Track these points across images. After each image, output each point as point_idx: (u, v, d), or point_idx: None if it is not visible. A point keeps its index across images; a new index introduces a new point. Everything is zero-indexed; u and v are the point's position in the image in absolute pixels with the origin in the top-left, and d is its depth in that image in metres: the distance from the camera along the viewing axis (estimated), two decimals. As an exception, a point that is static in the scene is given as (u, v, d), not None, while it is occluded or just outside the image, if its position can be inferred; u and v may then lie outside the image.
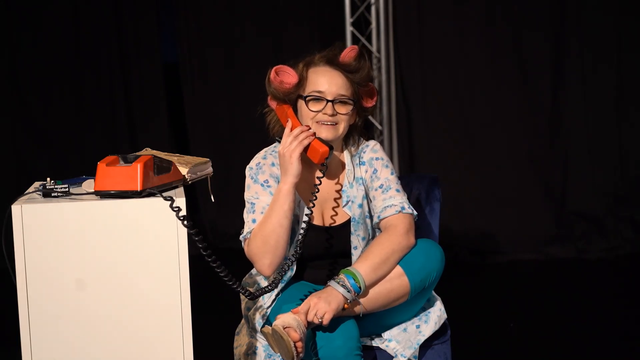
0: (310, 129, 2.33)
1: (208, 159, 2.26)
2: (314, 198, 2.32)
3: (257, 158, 2.44)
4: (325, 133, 2.34)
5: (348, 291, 2.22)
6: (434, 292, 2.54)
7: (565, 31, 5.34)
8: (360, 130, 2.49)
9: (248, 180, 2.40)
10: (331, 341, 2.19)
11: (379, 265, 2.27)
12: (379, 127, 5.35)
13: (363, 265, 2.26)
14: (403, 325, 2.40)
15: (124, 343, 1.81)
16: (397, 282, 2.29)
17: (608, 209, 5.36)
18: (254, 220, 2.33)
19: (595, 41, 5.34)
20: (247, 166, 2.43)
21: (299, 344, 2.13)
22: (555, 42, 5.36)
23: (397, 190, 2.41)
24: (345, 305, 2.22)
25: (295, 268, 2.37)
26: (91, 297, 1.79)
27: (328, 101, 2.33)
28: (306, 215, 2.34)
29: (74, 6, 5.58)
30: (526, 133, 5.40)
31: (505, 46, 5.36)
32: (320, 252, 2.41)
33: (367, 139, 2.52)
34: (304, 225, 2.34)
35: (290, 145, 2.28)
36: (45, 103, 5.63)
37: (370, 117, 5.32)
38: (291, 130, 2.32)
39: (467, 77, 5.40)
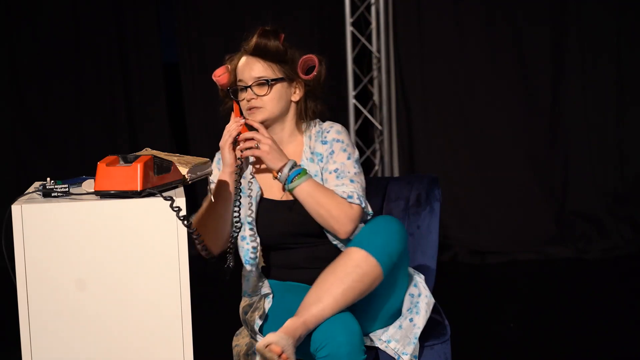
0: (242, 119, 2.41)
1: (208, 159, 2.26)
2: (238, 178, 2.38)
3: None
4: (253, 117, 2.41)
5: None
6: (413, 271, 2.53)
7: (565, 31, 5.35)
8: (315, 108, 2.49)
9: (213, 164, 2.49)
10: (333, 338, 2.18)
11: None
12: (379, 127, 5.35)
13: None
14: (397, 323, 2.39)
15: (124, 343, 1.81)
16: (365, 265, 2.24)
17: (608, 209, 5.36)
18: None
19: (595, 40, 5.35)
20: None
21: (284, 356, 2.13)
22: (555, 42, 5.36)
23: (351, 181, 2.41)
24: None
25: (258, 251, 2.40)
26: (91, 297, 1.79)
27: (246, 87, 2.42)
28: (248, 189, 2.41)
29: (74, 6, 5.58)
30: (526, 133, 5.40)
31: (505, 46, 5.36)
32: (286, 228, 2.43)
33: (328, 120, 2.54)
34: (249, 199, 2.41)
35: (223, 137, 2.39)
36: (45, 103, 5.63)
37: (370, 117, 5.33)
38: None
39: (467, 77, 5.40)
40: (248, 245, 2.46)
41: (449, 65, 5.40)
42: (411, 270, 2.54)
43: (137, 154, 1.96)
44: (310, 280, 2.42)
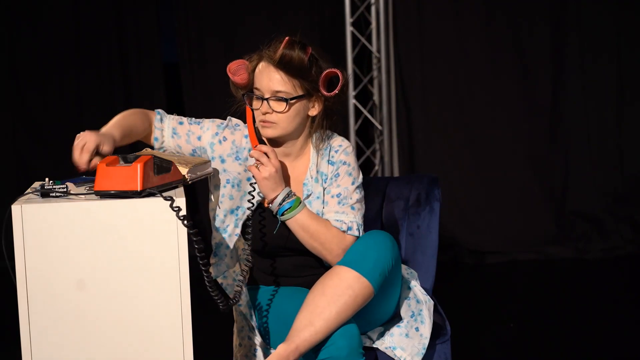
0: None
1: (208, 159, 2.27)
2: (253, 189, 2.30)
3: (243, 126, 2.41)
4: (264, 132, 2.30)
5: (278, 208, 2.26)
6: (407, 272, 2.51)
7: (565, 31, 5.35)
8: (329, 122, 2.38)
9: (217, 121, 2.40)
10: (333, 341, 2.16)
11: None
12: (379, 127, 5.35)
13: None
14: (402, 330, 2.38)
15: (124, 343, 1.81)
16: (358, 286, 2.19)
17: (608, 209, 5.36)
18: (178, 122, 2.38)
19: (595, 40, 5.35)
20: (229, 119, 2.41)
21: None
22: (555, 41, 5.36)
23: (352, 208, 2.34)
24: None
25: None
26: (91, 297, 1.79)
27: (263, 99, 2.28)
28: (249, 201, 2.30)
29: (74, 6, 5.58)
30: (526, 133, 5.40)
31: (505, 46, 5.36)
32: (277, 240, 2.36)
33: (335, 133, 2.43)
34: (248, 212, 2.31)
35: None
36: (45, 103, 5.63)
37: (370, 117, 5.33)
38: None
39: (467, 77, 5.40)
40: (225, 241, 2.37)
41: (449, 65, 5.40)
42: (405, 271, 2.53)
43: (137, 154, 1.96)
44: (296, 286, 2.41)
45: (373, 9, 5.26)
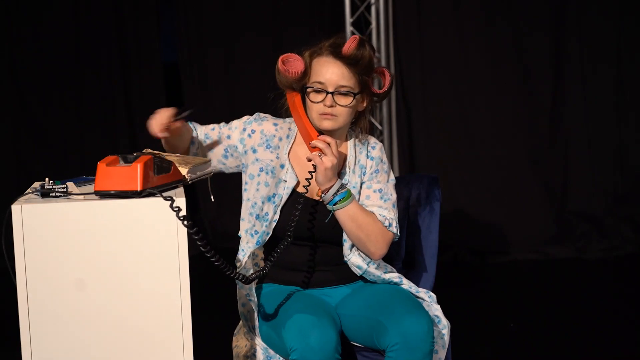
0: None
1: (208, 159, 2.27)
2: (310, 177, 2.33)
3: (272, 117, 2.47)
4: (324, 124, 2.35)
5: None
6: (427, 298, 2.48)
7: (565, 32, 5.35)
8: (368, 118, 2.48)
9: (244, 117, 2.48)
10: (306, 342, 2.13)
11: (359, 225, 2.32)
12: (379, 127, 5.35)
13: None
14: None
15: (124, 343, 1.81)
16: None
17: (608, 209, 5.36)
18: (210, 129, 2.48)
19: (595, 42, 5.35)
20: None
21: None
22: (555, 42, 5.36)
23: (393, 206, 2.43)
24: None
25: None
26: (91, 297, 1.79)
27: (328, 93, 2.33)
28: (303, 189, 2.33)
29: (74, 7, 5.58)
30: (526, 133, 5.40)
31: (506, 46, 5.36)
32: (309, 227, 2.38)
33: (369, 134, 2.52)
34: (284, 188, 2.34)
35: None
36: (45, 103, 5.63)
37: (370, 117, 5.33)
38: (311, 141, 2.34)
39: (467, 77, 5.39)
40: (266, 228, 2.37)
41: (449, 65, 5.40)
42: (425, 295, 2.47)
43: (137, 153, 1.96)
44: (306, 284, 2.41)
45: (373, 9, 5.26)
